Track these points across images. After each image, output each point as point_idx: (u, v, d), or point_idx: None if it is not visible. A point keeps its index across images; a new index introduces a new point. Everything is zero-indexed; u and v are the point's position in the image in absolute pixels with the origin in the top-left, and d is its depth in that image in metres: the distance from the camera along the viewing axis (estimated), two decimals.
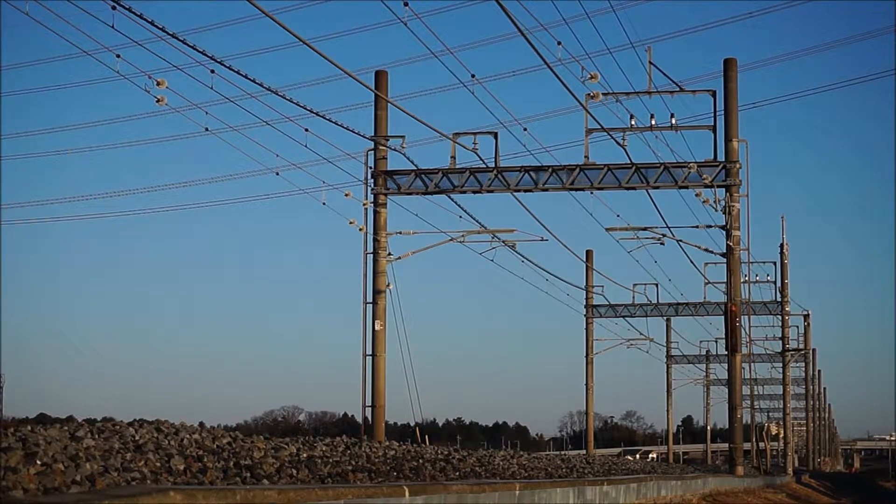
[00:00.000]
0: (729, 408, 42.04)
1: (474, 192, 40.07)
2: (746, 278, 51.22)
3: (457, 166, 39.82)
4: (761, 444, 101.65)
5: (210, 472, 13.08)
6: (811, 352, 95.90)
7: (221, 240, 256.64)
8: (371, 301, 39.90)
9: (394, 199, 40.69)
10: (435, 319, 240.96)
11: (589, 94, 37.36)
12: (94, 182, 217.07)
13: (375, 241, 40.13)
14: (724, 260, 41.26)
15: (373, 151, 40.20)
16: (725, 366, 45.63)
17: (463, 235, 41.57)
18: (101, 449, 12.70)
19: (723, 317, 53.17)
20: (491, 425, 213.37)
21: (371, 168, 40.29)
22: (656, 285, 64.22)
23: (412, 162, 39.63)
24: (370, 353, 39.53)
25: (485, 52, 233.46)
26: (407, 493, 12.93)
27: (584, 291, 67.39)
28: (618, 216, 44.33)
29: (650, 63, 40.16)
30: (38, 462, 11.06)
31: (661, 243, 43.25)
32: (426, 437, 39.09)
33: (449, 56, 36.00)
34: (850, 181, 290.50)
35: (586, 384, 68.91)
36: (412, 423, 60.92)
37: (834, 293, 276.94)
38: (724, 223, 40.33)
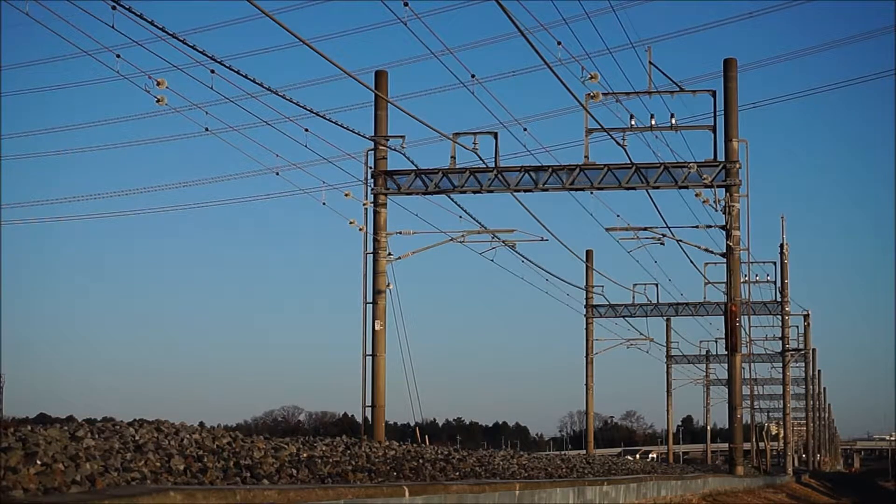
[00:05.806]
0: (729, 408, 42.01)
1: (474, 192, 40.04)
2: (746, 278, 51.28)
3: (457, 166, 39.80)
4: (761, 444, 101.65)
5: (210, 472, 13.08)
6: (811, 352, 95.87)
7: (221, 240, 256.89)
8: (371, 301, 39.88)
9: (394, 199, 40.67)
10: (435, 319, 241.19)
11: (589, 94, 37.27)
12: (94, 182, 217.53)
13: (375, 241, 40.12)
14: (724, 260, 41.23)
15: (373, 151, 40.18)
16: (725, 366, 45.62)
17: (463, 235, 41.55)
18: (101, 449, 12.70)
19: (723, 317, 53.16)
20: (491, 425, 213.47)
21: (371, 168, 40.27)
22: (656, 285, 64.27)
23: (412, 162, 39.65)
24: (370, 353, 39.51)
25: (485, 52, 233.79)
26: (407, 493, 12.93)
27: (584, 291, 67.37)
28: (618, 216, 44.28)
29: (650, 63, 40.17)
30: (38, 462, 11.06)
31: (661, 243, 43.26)
32: (426, 437, 39.10)
33: (449, 56, 36.00)
34: (850, 181, 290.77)
35: (586, 384, 68.87)
36: (412, 423, 60.99)
37: (834, 293, 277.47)
38: (724, 223, 40.30)
